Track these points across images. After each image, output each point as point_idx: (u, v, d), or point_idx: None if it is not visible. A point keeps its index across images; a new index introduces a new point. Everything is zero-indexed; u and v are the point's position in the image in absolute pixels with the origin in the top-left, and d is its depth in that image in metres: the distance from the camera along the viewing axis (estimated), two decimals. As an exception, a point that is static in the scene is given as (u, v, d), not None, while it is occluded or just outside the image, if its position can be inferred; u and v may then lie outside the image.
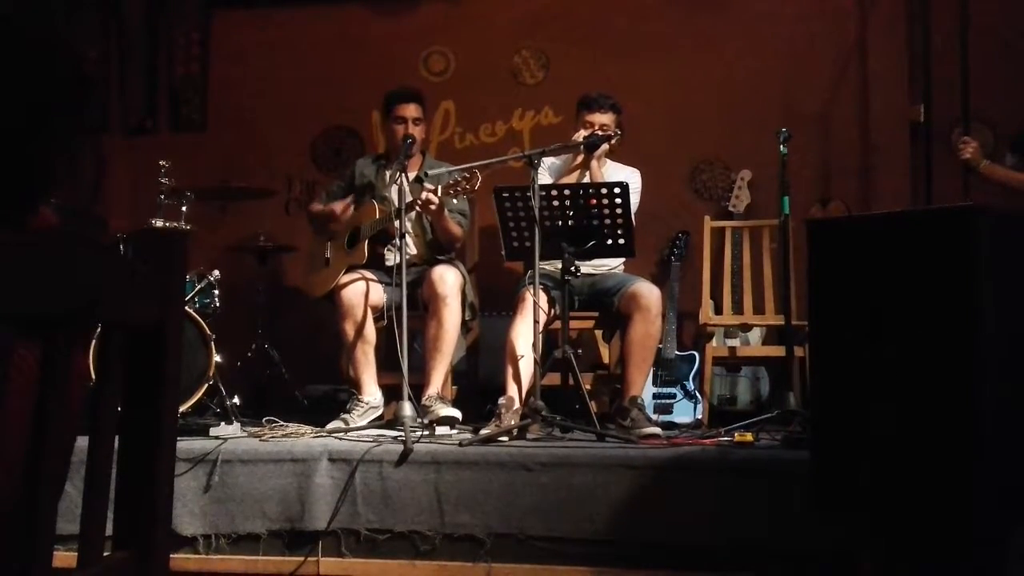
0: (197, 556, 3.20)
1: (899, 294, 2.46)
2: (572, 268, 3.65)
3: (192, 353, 3.82)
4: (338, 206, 4.27)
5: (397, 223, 3.71)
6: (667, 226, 4.94)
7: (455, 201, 4.07)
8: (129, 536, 1.14)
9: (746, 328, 4.67)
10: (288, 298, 5.16)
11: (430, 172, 3.98)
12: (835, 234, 2.68)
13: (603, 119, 4.14)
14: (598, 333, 4.59)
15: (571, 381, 3.78)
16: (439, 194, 3.88)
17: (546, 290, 3.88)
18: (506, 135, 5.42)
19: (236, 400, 4.03)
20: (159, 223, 4.03)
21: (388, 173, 4.23)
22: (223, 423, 3.74)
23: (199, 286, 4.09)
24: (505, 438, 3.48)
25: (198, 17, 5.76)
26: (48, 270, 0.93)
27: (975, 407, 2.31)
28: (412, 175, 4.11)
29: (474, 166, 3.86)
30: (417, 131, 4.19)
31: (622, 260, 4.22)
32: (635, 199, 3.99)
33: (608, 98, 4.18)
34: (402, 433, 3.29)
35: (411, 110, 4.20)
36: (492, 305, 4.70)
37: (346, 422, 3.85)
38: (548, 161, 4.17)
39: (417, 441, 3.29)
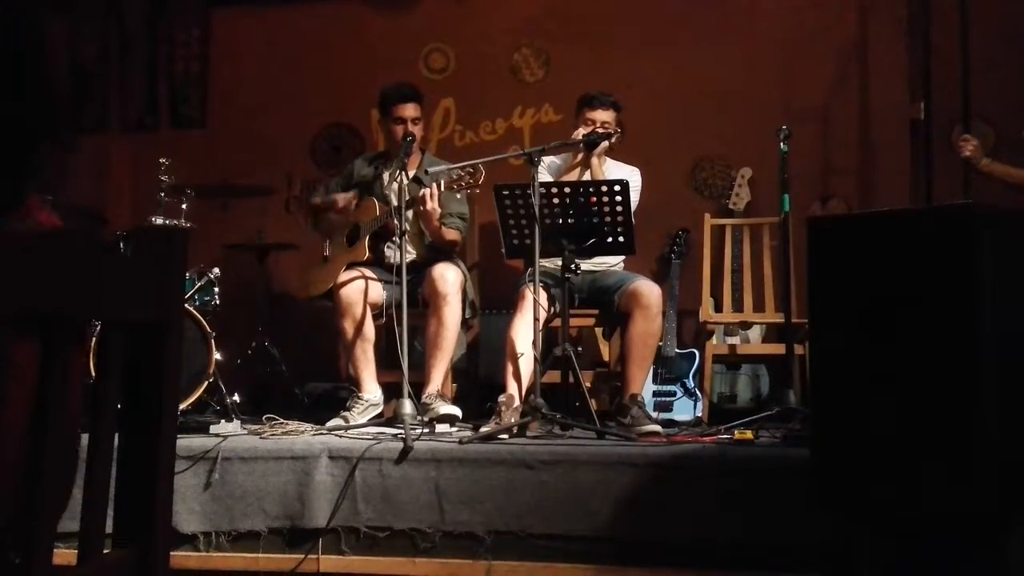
0: (197, 554, 3.20)
1: (899, 292, 2.46)
2: (572, 266, 3.65)
3: (192, 351, 3.82)
4: (341, 198, 4.27)
5: (396, 221, 3.71)
6: (667, 224, 4.94)
7: (458, 196, 4.07)
8: (129, 533, 1.14)
9: (746, 326, 4.67)
10: (288, 296, 5.16)
11: (430, 170, 3.97)
12: (835, 232, 2.68)
13: (604, 116, 4.14)
14: (598, 331, 4.59)
15: (571, 379, 3.78)
16: (442, 189, 3.87)
17: (546, 288, 3.88)
18: (506, 133, 5.42)
19: (236, 398, 4.03)
20: (159, 221, 4.03)
21: (388, 172, 4.23)
22: (223, 421, 3.75)
23: (199, 284, 4.09)
24: (505, 436, 3.48)
25: (198, 14, 5.76)
26: (48, 268, 0.93)
27: (975, 404, 2.31)
28: (411, 173, 4.11)
29: (474, 163, 3.85)
30: (416, 130, 4.18)
31: (622, 258, 4.21)
32: (635, 198, 3.99)
33: (609, 96, 4.18)
34: (402, 431, 3.29)
35: (410, 110, 4.19)
36: (492, 303, 4.70)
37: (346, 420, 3.85)
38: (548, 160, 4.17)
39: (417, 439, 3.29)
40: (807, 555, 2.86)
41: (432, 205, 3.88)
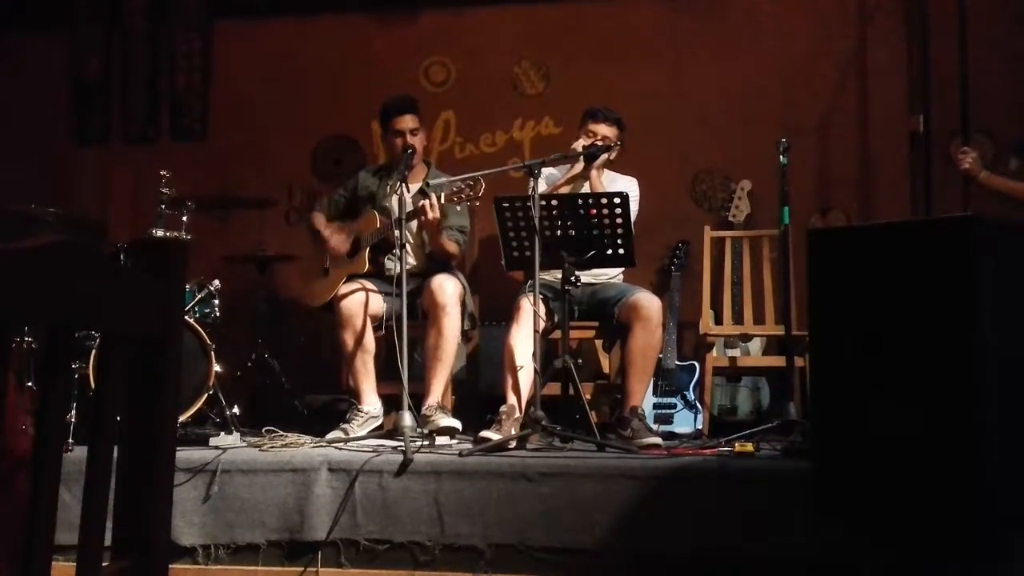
0: (196, 566, 3.19)
1: (899, 304, 2.46)
2: (572, 278, 3.65)
3: (192, 363, 3.81)
4: (329, 232, 4.29)
5: (397, 233, 3.71)
6: (667, 236, 4.94)
7: (458, 208, 4.08)
8: (128, 546, 1.14)
9: (746, 338, 4.66)
10: (288, 308, 5.16)
11: (432, 182, 3.98)
12: (835, 244, 2.68)
13: (605, 131, 4.16)
14: (598, 343, 4.58)
15: (571, 391, 3.78)
16: (442, 202, 3.88)
17: (545, 300, 3.88)
18: (506, 145, 5.43)
19: (236, 410, 4.03)
20: (160, 233, 4.03)
21: (389, 184, 4.24)
22: (223, 433, 3.74)
23: (199, 296, 4.09)
24: (505, 448, 3.46)
25: (199, 27, 5.78)
26: (47, 280, 0.93)
27: (975, 414, 2.31)
28: (415, 186, 4.12)
29: (474, 176, 3.86)
30: (416, 141, 4.19)
31: (622, 270, 4.22)
32: (634, 207, 3.99)
33: (613, 112, 4.21)
34: (402, 443, 3.28)
35: (407, 121, 4.20)
36: (492, 315, 4.69)
37: (346, 432, 3.85)
38: (547, 171, 4.18)
39: (417, 451, 3.28)
40: (808, 567, 2.85)
41: (434, 215, 3.89)
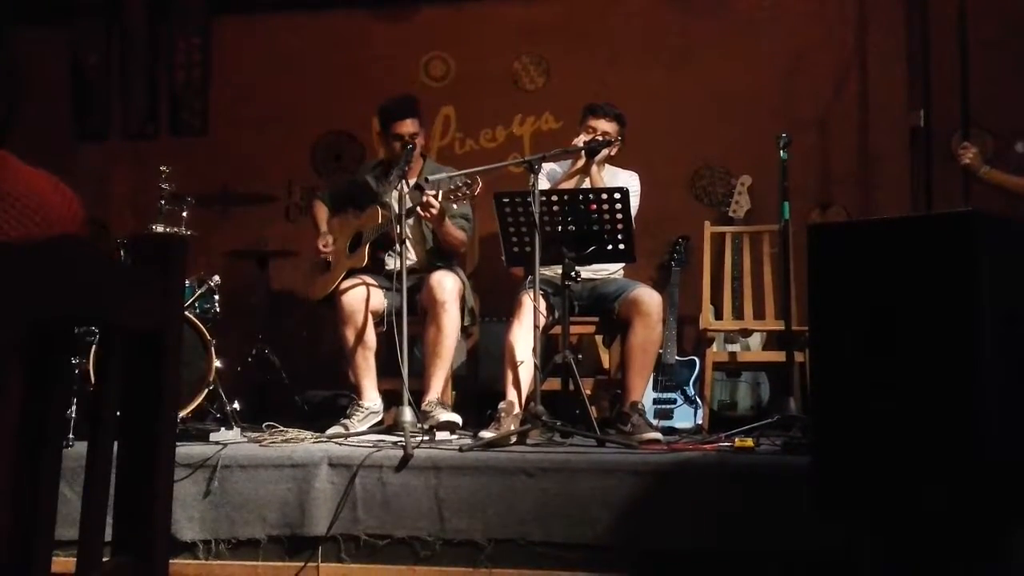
0: (196, 562, 3.19)
1: (899, 299, 2.46)
2: (572, 273, 3.65)
3: (192, 358, 3.81)
4: (322, 226, 4.33)
5: (398, 229, 3.71)
6: (667, 231, 4.94)
7: (455, 207, 4.08)
8: (128, 541, 1.14)
9: (746, 333, 4.66)
10: (288, 303, 5.16)
11: (430, 177, 3.98)
12: (835, 239, 2.68)
13: (605, 126, 4.15)
14: (599, 338, 4.59)
15: (571, 386, 3.78)
16: (439, 199, 3.87)
17: (546, 296, 3.88)
18: (506, 140, 5.43)
19: (236, 405, 4.03)
20: (160, 228, 4.03)
21: (389, 180, 4.23)
22: (223, 428, 3.74)
23: (199, 291, 4.09)
24: (506, 443, 3.47)
25: (199, 23, 5.77)
26: (48, 275, 0.93)
27: (975, 410, 2.31)
28: (412, 181, 4.12)
29: (474, 171, 3.86)
30: (416, 143, 4.17)
31: (622, 265, 4.22)
32: (635, 202, 3.99)
33: (614, 108, 4.20)
34: (402, 438, 3.28)
35: (408, 126, 4.17)
36: (492, 311, 4.69)
37: (346, 427, 3.85)
38: (547, 167, 4.17)
39: (417, 446, 3.28)
40: (808, 562, 2.85)
41: (436, 207, 3.87)
